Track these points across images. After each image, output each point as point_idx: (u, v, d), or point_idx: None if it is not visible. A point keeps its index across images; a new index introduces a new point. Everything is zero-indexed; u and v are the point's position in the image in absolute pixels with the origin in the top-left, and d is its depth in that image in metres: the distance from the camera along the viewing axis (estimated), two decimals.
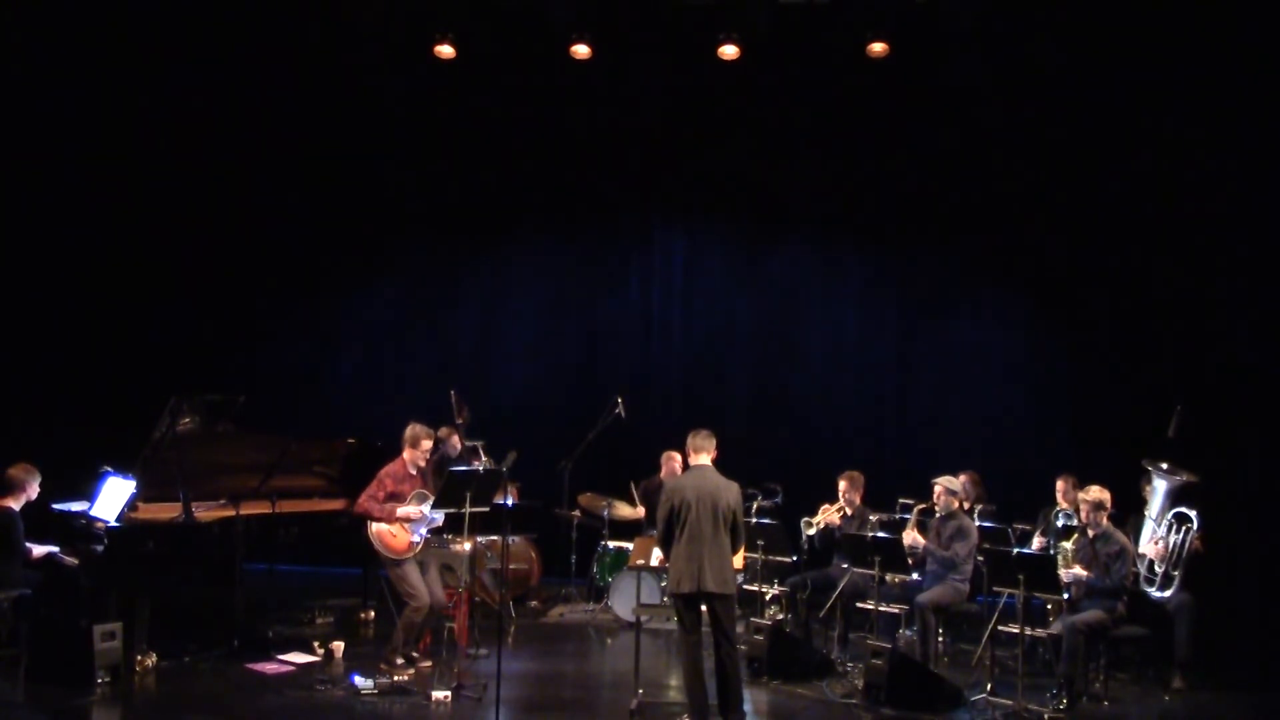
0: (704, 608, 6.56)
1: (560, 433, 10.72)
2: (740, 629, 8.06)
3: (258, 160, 11.56)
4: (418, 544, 7.57)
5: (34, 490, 7.79)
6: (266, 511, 8.42)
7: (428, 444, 7.68)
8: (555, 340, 11.82)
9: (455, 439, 9.46)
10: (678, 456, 10.05)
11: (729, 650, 6.51)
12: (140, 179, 11.40)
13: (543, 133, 11.51)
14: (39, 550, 7.71)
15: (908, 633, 8.31)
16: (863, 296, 11.50)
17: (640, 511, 10.04)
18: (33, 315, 10.98)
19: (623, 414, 10.13)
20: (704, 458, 6.71)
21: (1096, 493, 7.55)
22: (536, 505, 9.60)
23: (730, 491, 6.57)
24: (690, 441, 6.78)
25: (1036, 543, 8.44)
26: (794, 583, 8.61)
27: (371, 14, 10.50)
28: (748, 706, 7.21)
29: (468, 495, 7.03)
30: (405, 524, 7.52)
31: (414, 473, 7.67)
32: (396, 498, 7.55)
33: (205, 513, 8.01)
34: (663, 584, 9.16)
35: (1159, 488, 8.10)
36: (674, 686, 7.56)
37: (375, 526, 7.51)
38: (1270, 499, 9.28)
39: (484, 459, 8.19)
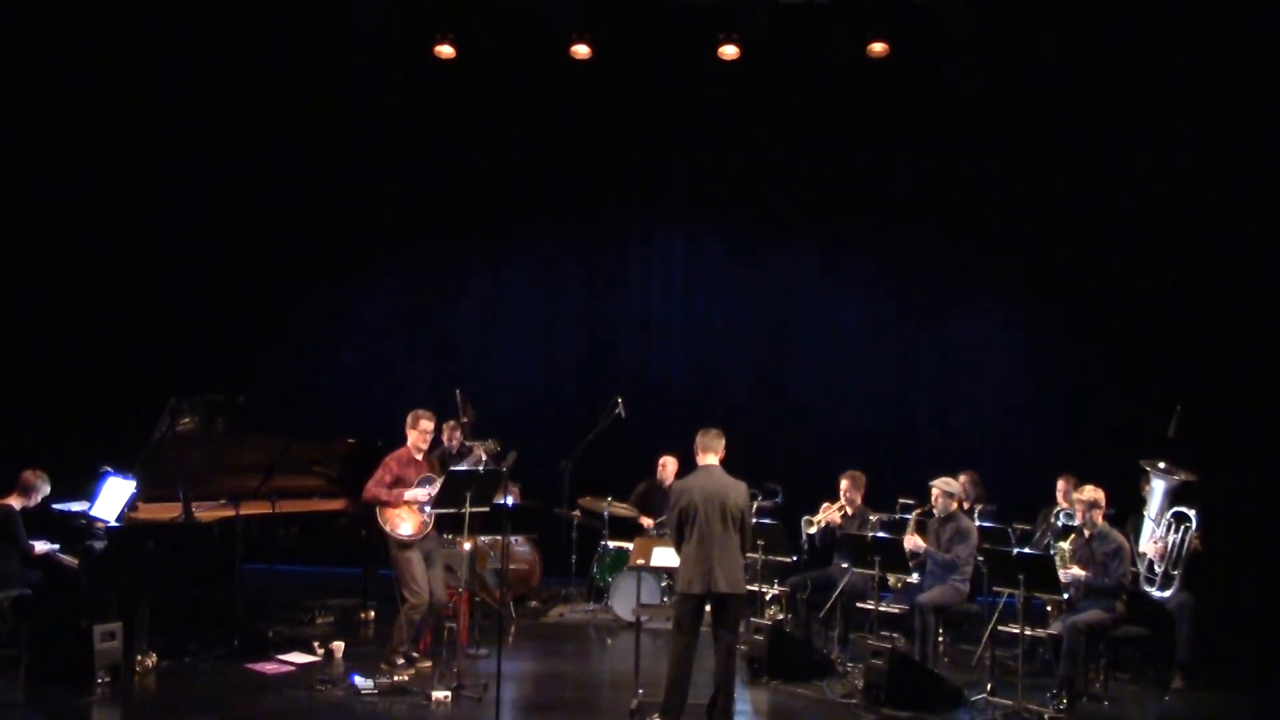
0: (708, 609, 6.54)
1: (560, 433, 10.72)
2: (740, 629, 8.07)
3: (258, 159, 11.54)
4: (428, 523, 7.58)
5: (38, 497, 7.82)
6: (266, 511, 8.43)
7: (428, 424, 7.73)
8: (555, 340, 11.83)
9: (458, 434, 9.47)
10: (671, 462, 10.05)
11: (730, 652, 6.49)
12: (140, 179, 11.41)
13: (543, 133, 11.51)
14: (40, 547, 7.73)
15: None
16: (863, 296, 11.50)
17: (636, 513, 10.04)
18: (33, 315, 11.00)
19: (623, 414, 10.13)
20: (711, 457, 6.67)
21: (1090, 492, 7.55)
22: (537, 505, 9.62)
23: (738, 491, 6.55)
24: (699, 440, 6.75)
25: (1044, 538, 8.43)
26: (794, 583, 8.61)
27: (371, 14, 10.51)
28: (746, 706, 7.23)
29: (468, 495, 7.04)
30: (414, 506, 7.56)
31: (418, 457, 7.72)
32: (401, 482, 7.60)
33: (205, 513, 8.01)
34: (663, 584, 9.16)
35: (1157, 487, 8.10)
36: None
37: (385, 511, 7.55)
38: (1270, 499, 9.28)
39: (484, 458, 8.20)
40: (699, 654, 6.63)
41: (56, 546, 7.82)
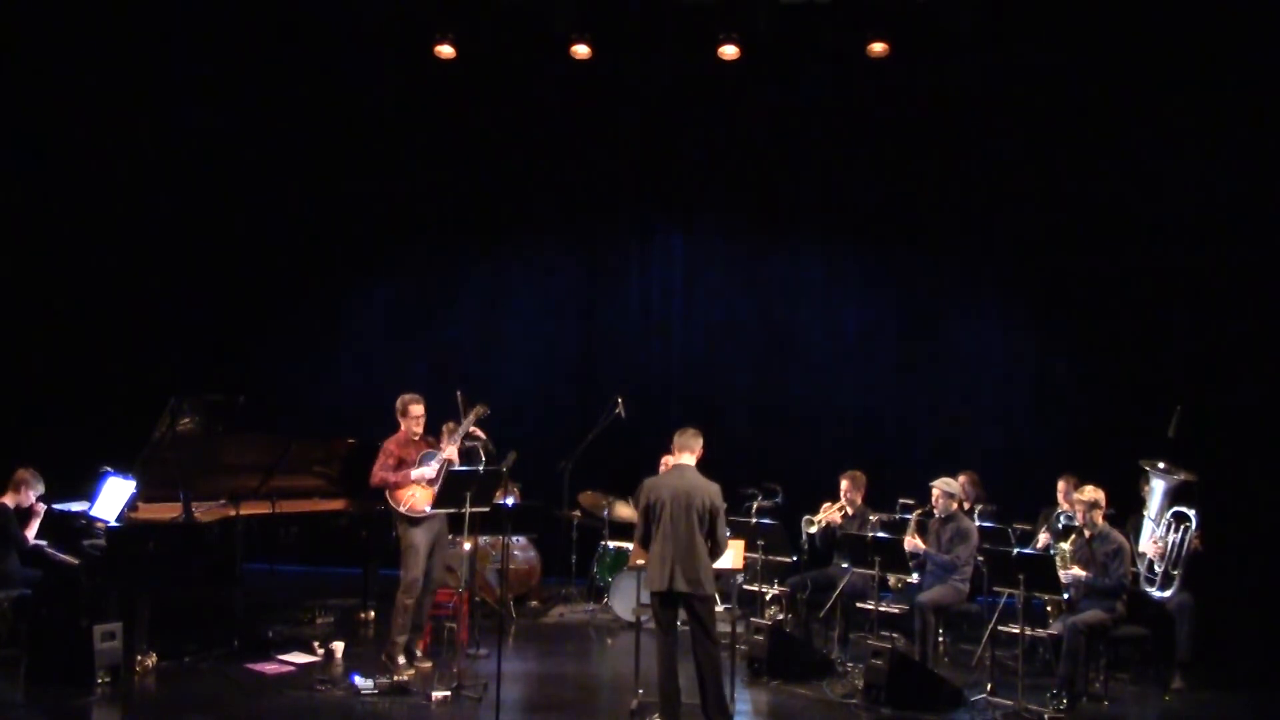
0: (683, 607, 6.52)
1: (560, 433, 10.73)
2: (740, 629, 8.08)
3: (257, 160, 11.54)
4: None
5: (31, 495, 7.85)
6: (266, 511, 8.43)
7: (418, 409, 7.78)
8: (555, 340, 11.82)
9: (458, 436, 9.46)
10: (672, 462, 10.05)
11: (706, 650, 6.43)
12: (140, 179, 11.40)
13: (543, 133, 11.50)
14: (31, 533, 7.78)
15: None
16: (863, 296, 11.50)
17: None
18: (33, 315, 11.00)
19: (623, 414, 10.13)
20: (687, 457, 6.65)
21: (1090, 492, 7.55)
22: (537, 505, 9.62)
23: (707, 491, 6.47)
24: (676, 439, 6.73)
25: (1042, 539, 8.42)
26: (794, 583, 8.61)
27: (371, 14, 10.50)
28: (746, 706, 7.23)
29: (468, 495, 7.05)
30: (423, 483, 7.62)
31: (416, 439, 7.78)
32: (405, 463, 7.67)
33: (205, 513, 8.01)
34: None
35: (1157, 487, 8.10)
36: None
37: (397, 493, 7.61)
38: (1270, 499, 9.28)
39: (484, 457, 8.20)
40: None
41: (41, 505, 7.86)
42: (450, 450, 7.79)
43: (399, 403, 7.82)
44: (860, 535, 8.08)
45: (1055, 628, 7.57)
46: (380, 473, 7.65)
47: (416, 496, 7.64)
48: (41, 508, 7.93)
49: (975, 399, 11.07)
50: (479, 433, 8.19)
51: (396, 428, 7.85)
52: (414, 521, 7.65)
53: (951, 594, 7.86)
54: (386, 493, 7.68)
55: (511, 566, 9.48)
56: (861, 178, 11.27)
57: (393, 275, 12.06)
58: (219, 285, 11.62)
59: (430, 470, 7.63)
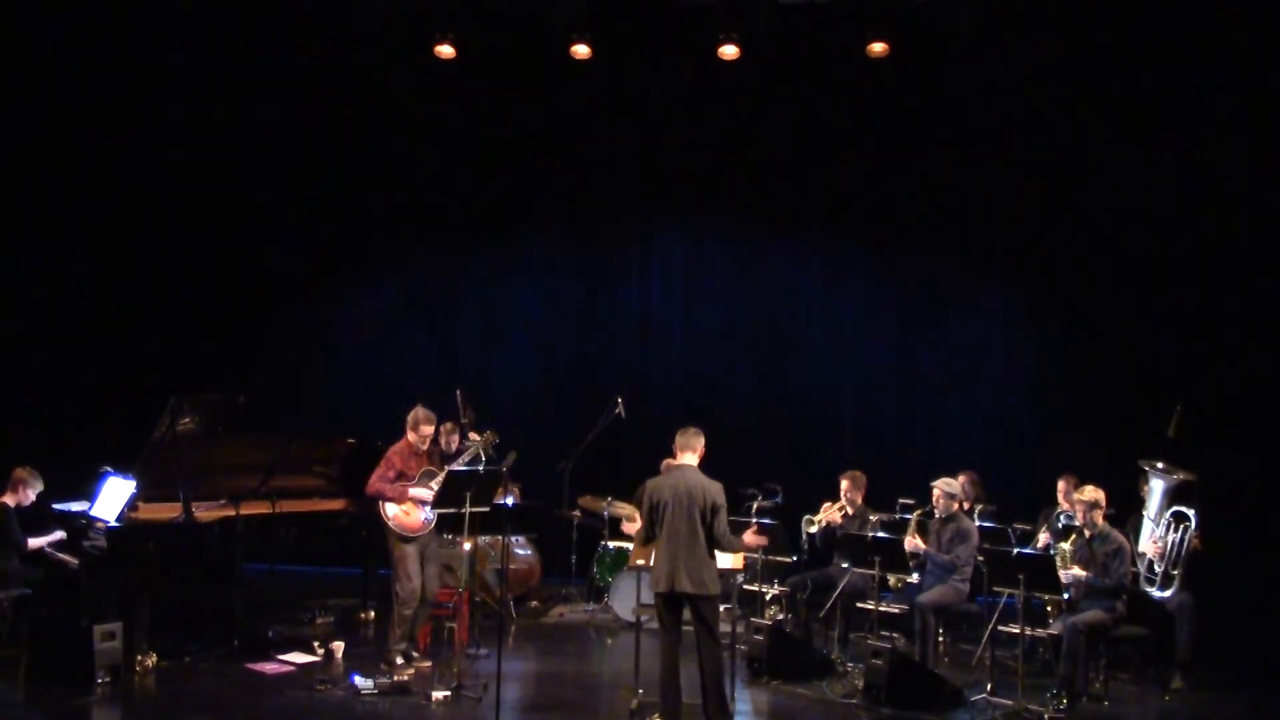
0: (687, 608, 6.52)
1: (560, 433, 10.72)
2: (740, 629, 8.09)
3: (258, 160, 11.54)
4: (431, 520, 7.61)
5: (30, 494, 7.85)
6: (266, 511, 8.44)
7: (428, 429, 7.72)
8: (555, 340, 11.83)
9: (455, 437, 9.48)
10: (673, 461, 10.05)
11: (709, 651, 6.43)
12: (140, 178, 11.40)
13: (543, 133, 11.50)
14: (35, 543, 7.76)
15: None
16: (863, 296, 11.50)
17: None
18: (33, 315, 11.00)
19: (623, 414, 10.13)
20: (688, 456, 6.64)
21: (1091, 492, 7.55)
22: (537, 505, 9.61)
23: (709, 491, 6.46)
24: (678, 439, 6.72)
25: (1042, 539, 8.42)
26: (794, 583, 8.61)
27: (371, 14, 10.51)
28: (746, 706, 7.23)
29: (468, 495, 7.05)
30: (416, 503, 7.58)
31: (419, 452, 7.73)
32: (404, 476, 7.63)
33: (205, 513, 8.01)
34: None
35: (1156, 487, 8.10)
36: None
37: (388, 506, 7.57)
38: (1270, 499, 9.27)
39: (483, 457, 8.20)
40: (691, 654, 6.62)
41: (61, 534, 7.83)
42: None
43: (411, 416, 7.69)
44: (860, 535, 8.07)
45: (1055, 628, 7.57)
46: (378, 484, 7.59)
47: (410, 516, 7.59)
48: (61, 535, 7.90)
49: (975, 399, 11.08)
50: (475, 435, 8.18)
51: (396, 429, 7.82)
52: (403, 537, 7.63)
53: (951, 594, 7.85)
54: (378, 503, 7.63)
55: (511, 566, 9.47)
56: (861, 177, 11.27)
57: (393, 275, 12.06)
58: (219, 285, 11.62)
59: (427, 494, 7.57)
